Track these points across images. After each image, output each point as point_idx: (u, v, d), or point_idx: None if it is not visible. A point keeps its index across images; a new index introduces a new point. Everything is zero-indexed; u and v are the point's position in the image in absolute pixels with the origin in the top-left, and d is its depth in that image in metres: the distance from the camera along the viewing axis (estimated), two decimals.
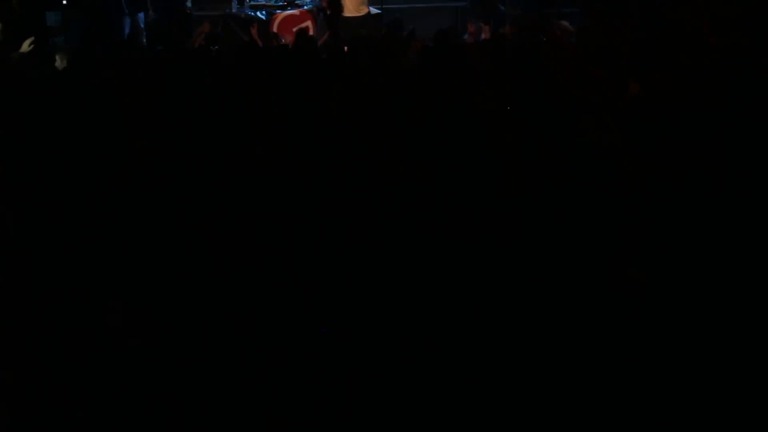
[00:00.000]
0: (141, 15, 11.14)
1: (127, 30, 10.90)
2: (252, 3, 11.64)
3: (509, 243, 3.20)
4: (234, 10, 11.51)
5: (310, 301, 3.08)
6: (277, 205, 3.45)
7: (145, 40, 10.86)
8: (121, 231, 3.31)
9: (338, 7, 7.48)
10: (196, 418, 2.77)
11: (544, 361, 2.87)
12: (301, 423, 2.77)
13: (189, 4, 11.36)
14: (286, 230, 3.31)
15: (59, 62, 6.55)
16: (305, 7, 11.56)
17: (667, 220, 3.23)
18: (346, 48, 7.11)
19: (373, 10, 11.30)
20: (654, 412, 2.74)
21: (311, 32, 11.03)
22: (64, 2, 8.89)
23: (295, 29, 10.93)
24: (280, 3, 11.71)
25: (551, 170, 3.57)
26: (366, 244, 3.24)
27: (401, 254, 3.19)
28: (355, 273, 3.17)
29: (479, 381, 2.82)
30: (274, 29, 10.84)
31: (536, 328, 2.96)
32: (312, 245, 3.26)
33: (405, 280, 3.11)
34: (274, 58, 5.90)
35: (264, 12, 11.34)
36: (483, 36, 9.79)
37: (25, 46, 6.35)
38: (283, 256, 3.23)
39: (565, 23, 9.83)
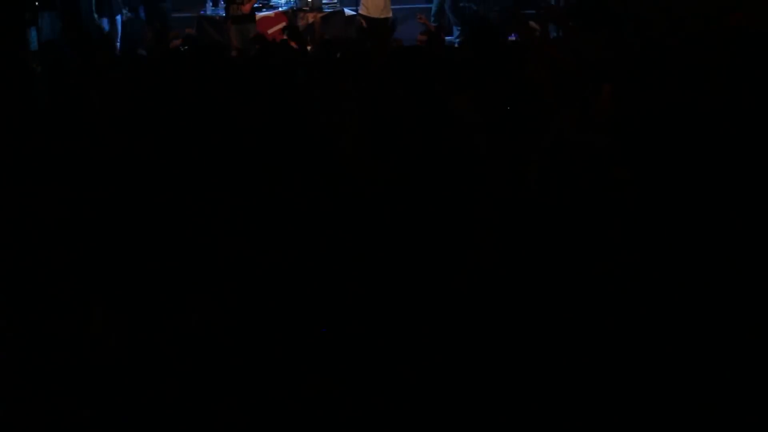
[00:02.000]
0: (118, 17, 11.09)
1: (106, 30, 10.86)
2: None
3: (493, 244, 3.21)
4: (208, 12, 11.48)
5: (305, 301, 3.08)
6: (266, 206, 3.45)
7: (118, 43, 10.81)
8: (114, 230, 3.30)
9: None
10: (195, 418, 2.77)
11: (535, 359, 2.88)
12: (301, 423, 2.77)
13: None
14: (278, 230, 3.32)
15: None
16: (281, 9, 11.54)
17: (648, 220, 3.26)
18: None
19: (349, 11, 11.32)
20: (643, 410, 2.76)
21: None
22: (36, 3, 8.81)
23: (270, 31, 10.93)
24: (256, 5, 11.67)
25: (529, 170, 3.59)
26: (348, 247, 3.25)
27: (387, 256, 3.20)
28: (344, 274, 3.17)
29: (473, 380, 2.83)
30: None
31: (524, 328, 2.97)
32: (304, 245, 3.26)
33: (392, 283, 3.12)
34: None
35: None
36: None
37: None
38: (277, 256, 3.23)
39: (532, 23, 9.91)
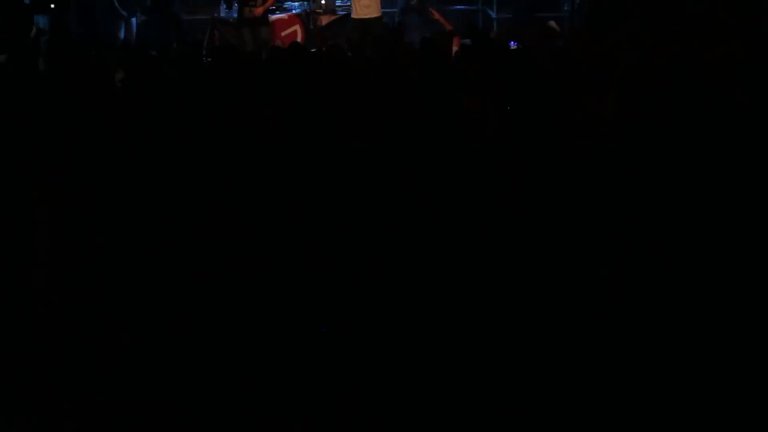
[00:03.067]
0: (133, 19, 11.17)
1: (122, 34, 10.92)
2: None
3: (502, 242, 3.21)
4: (222, 14, 11.48)
5: (309, 301, 3.08)
6: (273, 207, 3.45)
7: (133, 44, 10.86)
8: (120, 232, 3.30)
9: None
10: (196, 418, 2.76)
11: (537, 357, 2.88)
12: (301, 423, 2.76)
13: None
14: (283, 231, 3.31)
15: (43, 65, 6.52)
16: (293, 12, 11.53)
17: (654, 220, 3.25)
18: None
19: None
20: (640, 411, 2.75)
21: (299, 36, 11.02)
22: (52, 6, 8.86)
23: (283, 33, 10.94)
24: (270, 7, 11.68)
25: (540, 172, 3.58)
26: (362, 244, 3.25)
27: (397, 255, 3.20)
28: (351, 273, 3.17)
29: (473, 379, 2.83)
30: None
31: (527, 326, 2.97)
32: (310, 245, 3.26)
33: (399, 280, 3.12)
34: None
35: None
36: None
37: None
38: (281, 256, 3.23)
39: (552, 23, 9.89)
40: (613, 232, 3.23)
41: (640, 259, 3.12)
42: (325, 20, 11.19)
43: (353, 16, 10.33)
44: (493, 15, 12.30)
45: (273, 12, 11.42)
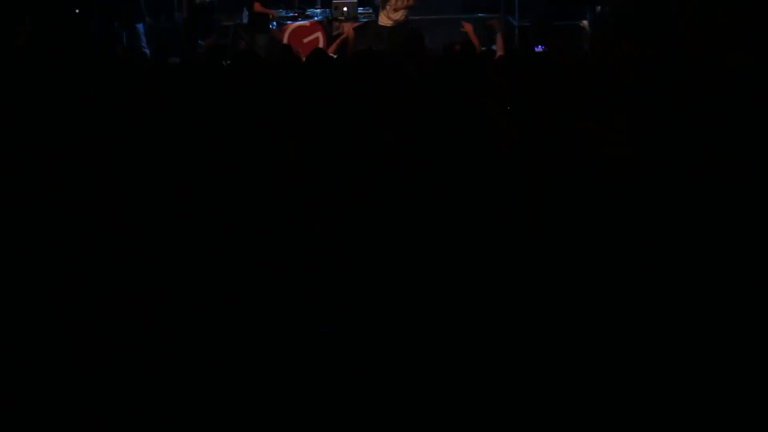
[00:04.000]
0: (140, 26, 11.26)
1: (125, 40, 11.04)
2: None
3: (515, 243, 3.21)
4: (245, 21, 11.55)
5: (310, 301, 3.08)
6: (276, 204, 3.46)
7: (147, 50, 10.95)
8: (121, 229, 3.32)
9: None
10: (195, 418, 2.77)
11: (545, 360, 2.88)
12: (301, 423, 2.77)
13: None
14: (286, 229, 3.32)
15: None
16: (315, 18, 11.59)
17: (669, 222, 3.25)
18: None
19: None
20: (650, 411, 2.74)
21: (321, 43, 11.07)
22: (76, 11, 8.94)
23: (305, 40, 10.99)
24: (291, 14, 11.75)
25: (557, 176, 3.58)
26: (369, 244, 3.25)
27: (405, 254, 3.20)
28: (357, 272, 3.18)
29: (478, 380, 2.83)
30: (285, 40, 10.87)
31: (535, 326, 2.97)
32: (313, 245, 3.27)
33: (408, 280, 3.12)
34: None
35: (275, 22, 11.37)
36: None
37: None
38: (283, 255, 3.24)
39: (584, 23, 9.91)
40: (639, 245, 3.23)
41: (665, 270, 3.11)
42: (347, 27, 11.23)
43: (381, 23, 10.41)
44: (515, 23, 12.28)
45: (294, 19, 11.50)
